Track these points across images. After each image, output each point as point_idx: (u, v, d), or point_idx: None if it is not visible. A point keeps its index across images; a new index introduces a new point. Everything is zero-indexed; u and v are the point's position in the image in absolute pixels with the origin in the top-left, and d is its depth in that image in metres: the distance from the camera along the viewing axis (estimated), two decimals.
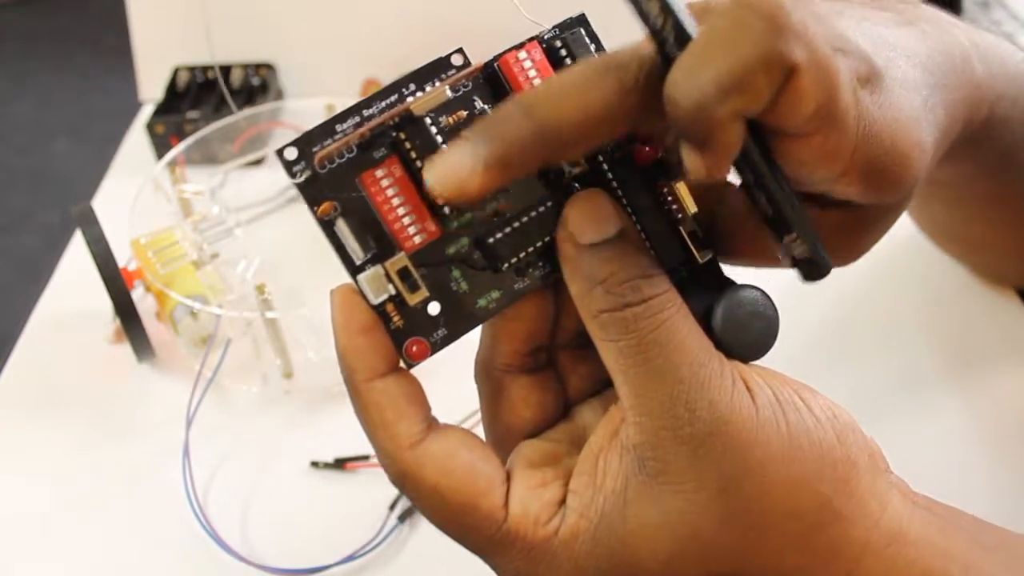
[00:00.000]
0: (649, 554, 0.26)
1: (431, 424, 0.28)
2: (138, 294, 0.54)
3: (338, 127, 0.27)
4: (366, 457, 0.49)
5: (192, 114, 0.70)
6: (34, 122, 2.04)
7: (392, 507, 0.47)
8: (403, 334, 0.28)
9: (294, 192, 0.66)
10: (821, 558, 0.26)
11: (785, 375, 0.28)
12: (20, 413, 0.54)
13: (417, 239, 0.27)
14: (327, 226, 0.27)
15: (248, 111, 0.68)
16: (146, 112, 0.76)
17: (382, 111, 0.27)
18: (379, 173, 0.27)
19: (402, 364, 0.28)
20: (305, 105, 0.71)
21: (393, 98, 0.28)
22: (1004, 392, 0.51)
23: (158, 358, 0.55)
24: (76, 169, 1.85)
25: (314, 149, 0.27)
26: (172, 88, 0.74)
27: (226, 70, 0.75)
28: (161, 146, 0.69)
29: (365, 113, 0.27)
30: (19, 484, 0.50)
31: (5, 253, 1.71)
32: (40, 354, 0.57)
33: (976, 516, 0.29)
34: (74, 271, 0.62)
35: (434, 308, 0.28)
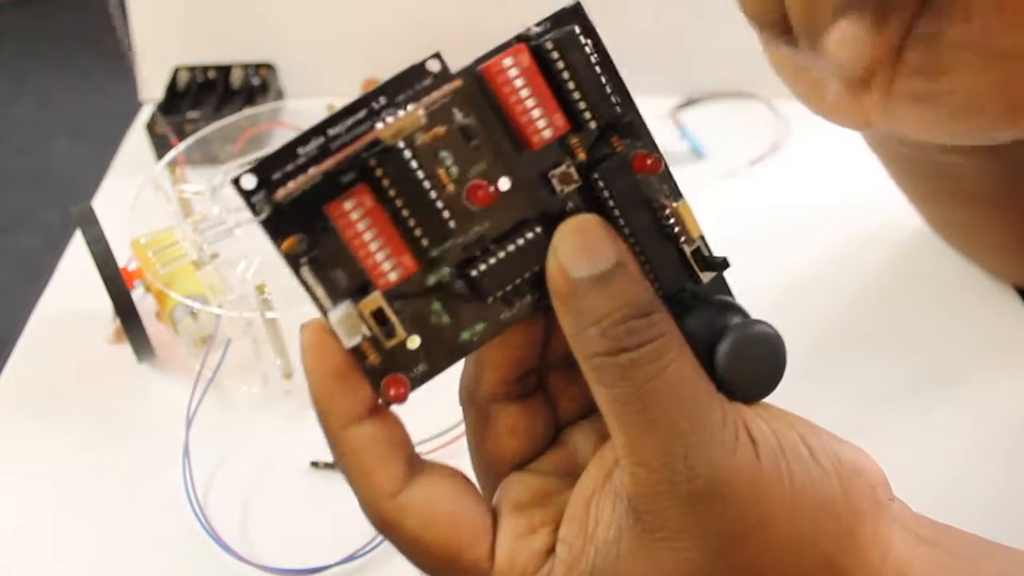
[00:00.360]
0: None
1: (414, 467, 0.27)
2: (138, 294, 0.54)
3: (300, 150, 0.24)
4: None
5: (192, 114, 0.70)
6: (34, 122, 2.04)
7: None
8: (380, 372, 0.26)
9: None
10: None
11: (790, 414, 0.27)
12: (20, 413, 0.54)
13: (393, 276, 0.25)
14: (293, 264, 0.24)
15: (248, 111, 0.68)
16: (146, 112, 0.76)
17: (349, 130, 0.24)
18: (347, 205, 0.24)
19: (380, 401, 0.26)
20: (305, 105, 0.71)
21: (362, 114, 0.24)
22: (1004, 393, 0.51)
23: (158, 358, 0.55)
24: (76, 169, 1.85)
25: (274, 176, 0.24)
26: (172, 88, 0.74)
27: (226, 70, 0.75)
28: (161, 146, 0.69)
29: (330, 132, 0.24)
30: (19, 484, 0.50)
31: (5, 253, 1.71)
32: (40, 354, 0.57)
33: (979, 537, 0.28)
34: (74, 271, 0.62)
35: (413, 342, 0.26)
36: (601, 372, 0.25)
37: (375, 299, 0.25)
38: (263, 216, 0.24)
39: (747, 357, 0.26)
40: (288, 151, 0.24)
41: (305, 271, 0.24)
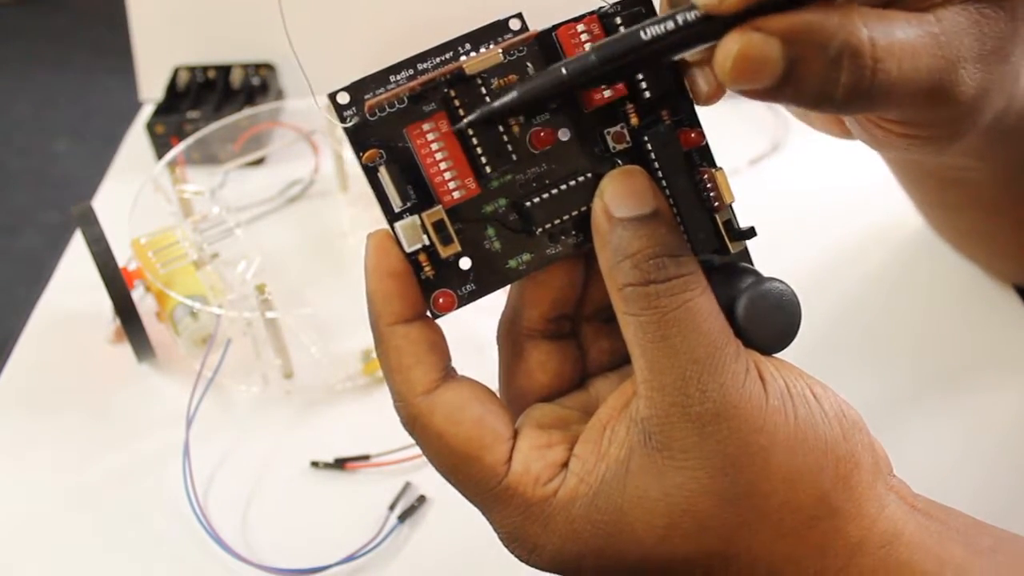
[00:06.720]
0: (645, 525, 0.27)
1: (448, 374, 0.29)
2: (138, 294, 0.54)
3: (392, 78, 0.28)
4: (366, 457, 0.49)
5: (192, 114, 0.70)
6: (34, 122, 2.04)
7: (392, 507, 0.47)
8: (433, 285, 0.28)
9: (294, 192, 0.67)
10: (813, 551, 0.27)
11: (800, 369, 0.28)
12: (20, 413, 0.54)
13: (456, 194, 0.28)
14: (371, 172, 0.28)
15: (248, 111, 0.68)
16: (146, 112, 0.76)
17: (436, 67, 0.28)
18: (426, 127, 0.28)
19: (428, 314, 0.29)
20: (305, 105, 0.71)
21: (448, 55, 0.28)
22: (1003, 393, 0.51)
23: (158, 358, 0.55)
24: (76, 169, 1.85)
25: (365, 96, 0.27)
26: (172, 88, 0.74)
27: (226, 70, 0.75)
28: (161, 146, 0.69)
29: (419, 67, 0.28)
30: (19, 484, 0.50)
31: (5, 253, 1.71)
32: (40, 354, 0.57)
33: (973, 517, 0.29)
34: (74, 271, 0.62)
35: (465, 263, 0.29)
36: (629, 301, 0.27)
37: (438, 211, 0.28)
38: (350, 124, 0.27)
39: (764, 310, 0.28)
40: (381, 77, 0.28)
41: (383, 173, 0.28)
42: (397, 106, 0.28)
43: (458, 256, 0.28)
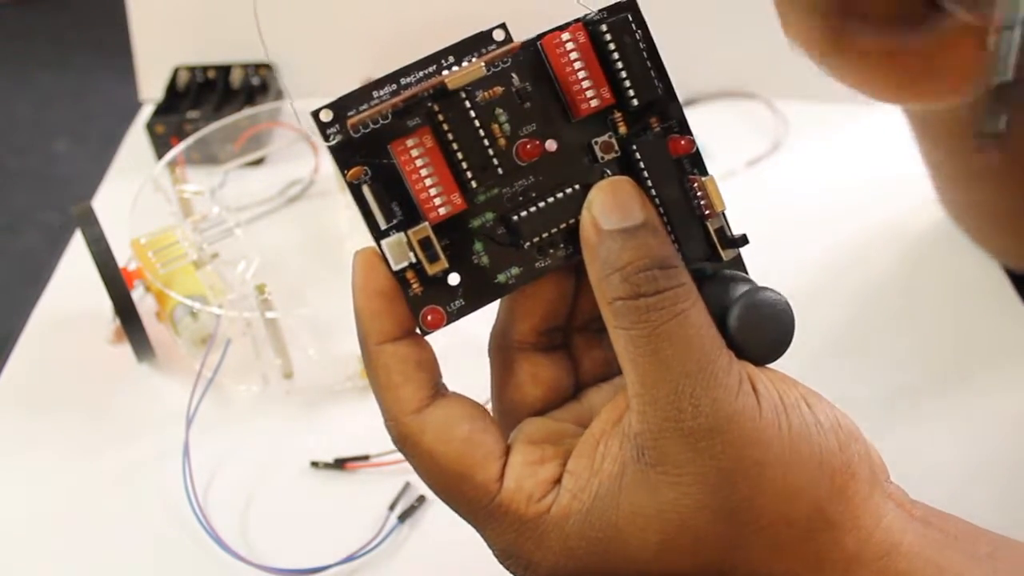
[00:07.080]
0: (639, 542, 0.27)
1: (438, 391, 0.29)
2: (138, 294, 0.54)
3: (375, 93, 0.27)
4: (366, 457, 0.49)
5: (192, 114, 0.70)
6: (34, 122, 2.04)
7: (392, 507, 0.47)
8: (421, 302, 0.28)
9: (294, 192, 0.67)
10: (811, 564, 0.27)
11: (793, 379, 0.28)
12: (20, 413, 0.54)
13: (442, 210, 0.28)
14: (355, 190, 0.27)
15: (248, 111, 0.68)
16: (146, 112, 0.76)
17: (419, 81, 0.28)
18: (410, 142, 0.27)
19: (417, 331, 0.28)
20: (305, 105, 0.71)
21: (431, 68, 0.28)
22: (1003, 394, 0.51)
23: (158, 358, 0.55)
24: (76, 169, 1.85)
25: (349, 113, 0.27)
26: (172, 88, 0.74)
27: (226, 70, 0.75)
28: (161, 146, 0.69)
29: (402, 81, 0.28)
30: (19, 484, 0.50)
31: (5, 253, 1.70)
32: (40, 354, 0.57)
33: (971, 523, 0.29)
34: (74, 271, 0.62)
35: (453, 279, 0.28)
36: (620, 315, 0.27)
37: (424, 228, 0.28)
38: (334, 143, 0.27)
39: (756, 320, 0.27)
40: (363, 93, 0.27)
41: (368, 190, 0.27)
42: (381, 122, 0.27)
43: (446, 272, 0.28)
